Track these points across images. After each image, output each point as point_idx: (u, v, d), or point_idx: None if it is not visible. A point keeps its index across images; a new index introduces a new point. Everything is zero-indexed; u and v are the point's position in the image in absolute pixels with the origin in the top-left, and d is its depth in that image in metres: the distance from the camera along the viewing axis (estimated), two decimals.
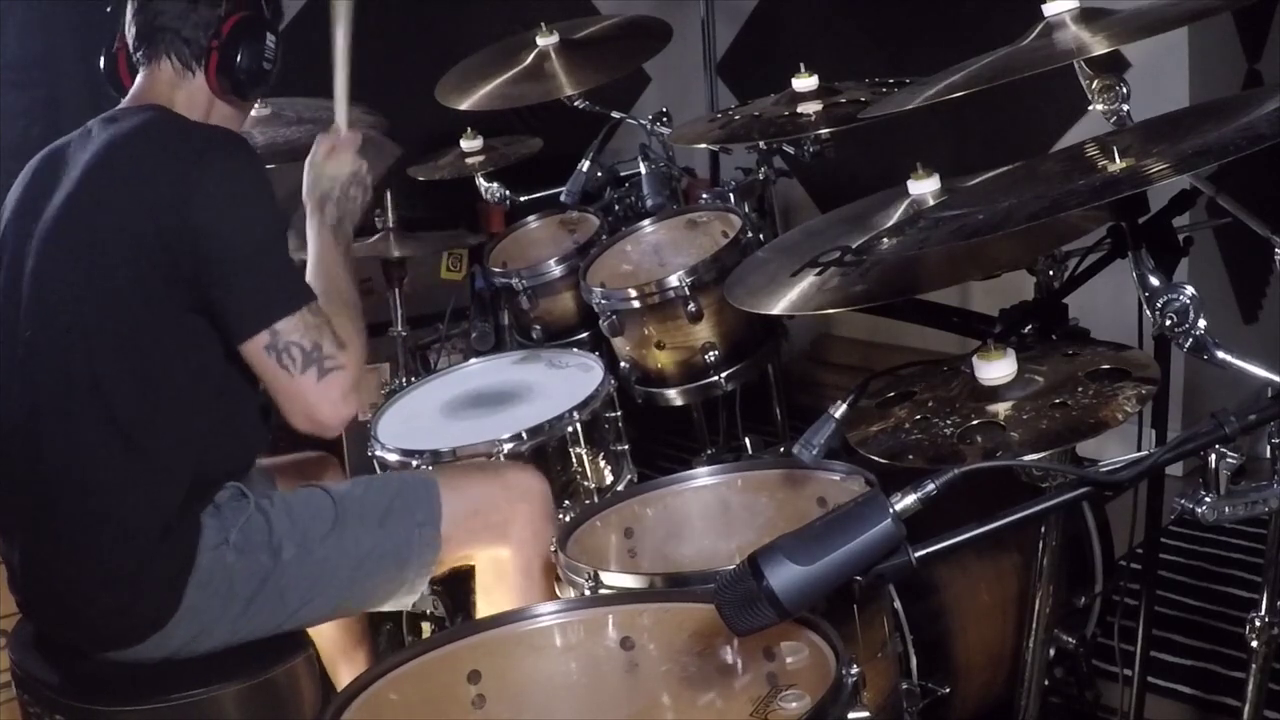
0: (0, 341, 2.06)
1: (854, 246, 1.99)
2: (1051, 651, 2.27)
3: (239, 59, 2.08)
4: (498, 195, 3.25)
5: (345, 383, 2.00)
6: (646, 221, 2.92)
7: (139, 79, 2.12)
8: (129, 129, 2.03)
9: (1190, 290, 1.51)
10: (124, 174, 1.99)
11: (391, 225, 3.08)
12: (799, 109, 2.57)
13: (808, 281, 1.97)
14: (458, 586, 2.35)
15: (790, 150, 2.81)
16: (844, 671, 1.40)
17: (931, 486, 1.28)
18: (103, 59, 2.20)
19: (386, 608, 2.19)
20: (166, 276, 1.94)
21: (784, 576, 1.24)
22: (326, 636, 2.35)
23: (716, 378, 2.63)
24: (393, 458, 2.42)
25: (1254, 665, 1.67)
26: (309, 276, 2.09)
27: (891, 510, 1.27)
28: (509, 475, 2.28)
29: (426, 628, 2.49)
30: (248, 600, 2.03)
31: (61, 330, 1.99)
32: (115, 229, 1.95)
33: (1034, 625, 2.02)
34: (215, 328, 1.98)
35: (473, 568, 2.25)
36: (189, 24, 2.07)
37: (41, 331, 2.01)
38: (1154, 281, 1.55)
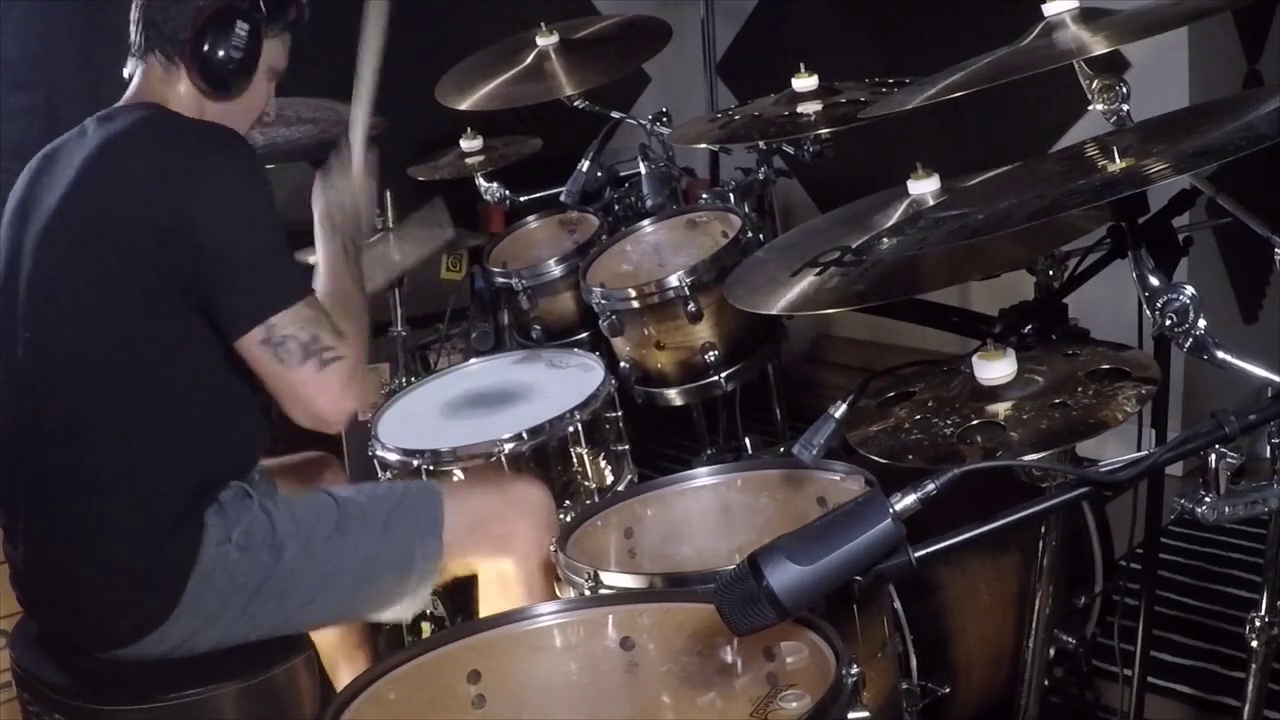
0: (1, 343, 2.06)
1: (854, 246, 1.99)
2: (1051, 651, 2.27)
3: (211, 51, 2.05)
4: (498, 195, 3.25)
5: (344, 372, 1.99)
6: (646, 221, 2.92)
7: (135, 77, 2.12)
8: (123, 127, 2.02)
9: (1190, 290, 1.51)
10: (118, 173, 1.98)
11: (391, 226, 3.08)
12: (799, 109, 2.57)
13: (808, 281, 1.97)
14: (458, 587, 2.35)
15: (790, 150, 2.81)
16: (844, 671, 1.40)
17: (931, 486, 1.28)
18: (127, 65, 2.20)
19: (386, 618, 2.18)
20: (165, 276, 1.94)
21: (784, 576, 1.24)
22: (326, 637, 2.34)
23: (716, 378, 2.63)
24: (393, 457, 2.42)
25: (1254, 665, 1.68)
26: (318, 285, 2.08)
27: (891, 510, 1.27)
28: (513, 488, 2.28)
29: (426, 628, 2.49)
30: (247, 599, 2.03)
31: (61, 331, 1.99)
32: (111, 229, 1.95)
33: (1034, 625, 2.02)
34: (212, 326, 1.99)
35: (475, 575, 2.26)
36: (170, 19, 2.06)
37: (41, 332, 2.01)
38: (1154, 281, 1.55)
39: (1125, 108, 1.88)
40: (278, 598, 2.05)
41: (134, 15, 2.10)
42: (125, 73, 2.15)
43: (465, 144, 3.30)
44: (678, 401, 2.71)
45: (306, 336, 1.97)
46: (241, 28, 2.06)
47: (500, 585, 2.21)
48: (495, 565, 2.21)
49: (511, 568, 2.20)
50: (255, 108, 2.18)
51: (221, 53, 2.06)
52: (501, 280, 2.95)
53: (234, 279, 1.95)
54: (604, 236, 2.92)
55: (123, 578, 1.98)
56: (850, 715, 1.38)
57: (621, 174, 3.18)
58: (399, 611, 2.17)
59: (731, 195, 2.83)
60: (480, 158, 3.27)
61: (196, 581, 1.99)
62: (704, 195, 2.99)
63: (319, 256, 2.16)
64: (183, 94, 2.09)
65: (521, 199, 3.27)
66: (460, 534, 2.16)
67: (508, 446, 2.37)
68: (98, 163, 1.99)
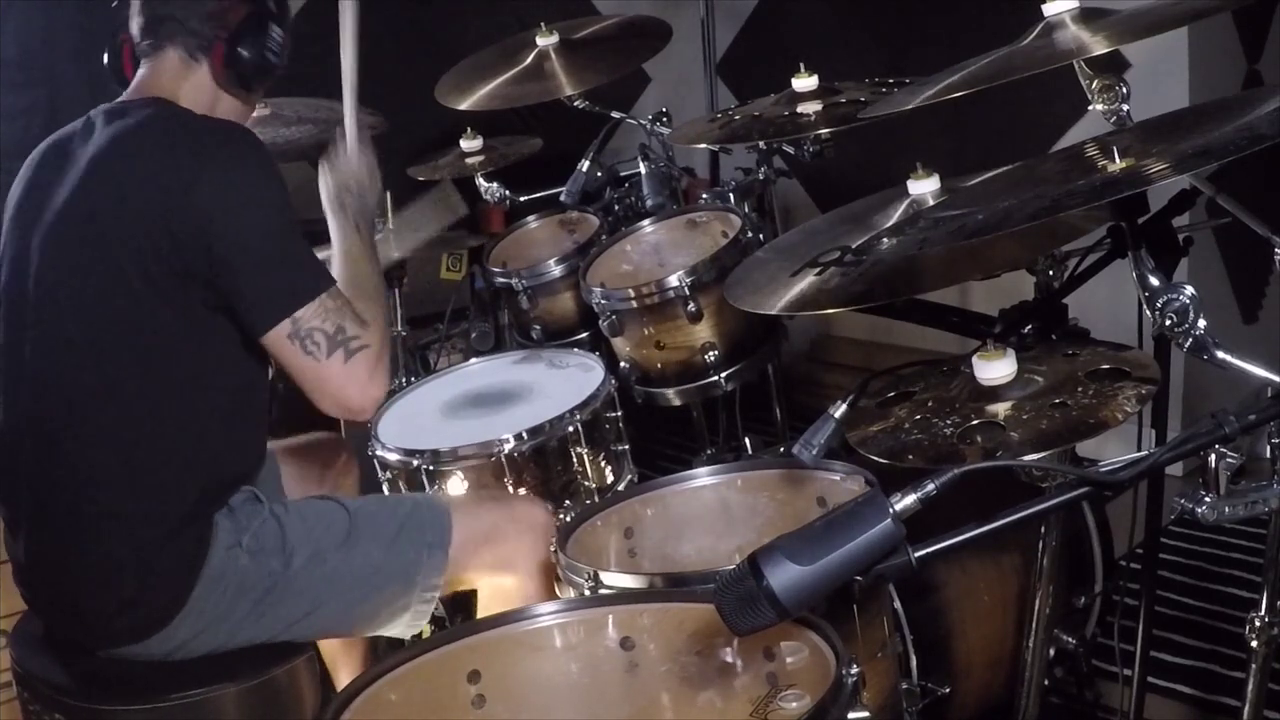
0: (7, 340, 2.06)
1: (854, 246, 1.99)
2: (1051, 651, 2.27)
3: (245, 51, 2.08)
4: (498, 195, 3.26)
5: (371, 360, 2.02)
6: (646, 221, 2.92)
7: (142, 70, 2.11)
8: (135, 123, 2.02)
9: (1190, 290, 1.51)
10: (130, 170, 1.98)
11: (391, 226, 3.08)
12: (799, 109, 2.57)
13: (808, 281, 1.97)
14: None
15: (790, 150, 2.81)
16: (844, 671, 1.40)
17: (931, 486, 1.28)
18: (107, 52, 2.20)
19: (388, 632, 2.18)
20: (178, 274, 1.94)
21: (784, 576, 1.24)
22: (327, 639, 2.34)
23: (716, 378, 2.63)
24: (393, 458, 2.42)
25: (1254, 665, 1.68)
26: (334, 270, 2.09)
27: (891, 510, 1.27)
28: (518, 508, 2.28)
29: (426, 628, 2.48)
30: (253, 603, 2.03)
31: (67, 327, 1.99)
32: (122, 226, 1.95)
33: (1034, 625, 2.02)
34: (234, 322, 1.99)
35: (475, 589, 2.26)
36: (196, 15, 2.07)
37: (48, 330, 2.01)
38: (1154, 281, 1.55)
39: (1125, 108, 1.88)
40: (282, 605, 2.04)
41: (142, 9, 2.10)
42: (105, 59, 2.16)
43: (465, 144, 3.30)
44: (677, 401, 2.71)
45: (332, 328, 1.98)
46: (276, 31, 2.11)
47: (501, 602, 2.21)
48: (496, 582, 2.21)
49: (512, 586, 2.20)
50: (255, 103, 2.23)
51: (257, 55, 2.09)
52: (501, 280, 2.95)
53: (256, 275, 1.96)
54: (604, 236, 2.92)
55: (126, 577, 1.98)
56: (850, 715, 1.37)
57: (621, 174, 3.18)
58: (400, 628, 2.16)
59: (731, 195, 2.83)
60: (480, 158, 3.27)
61: (204, 584, 1.99)
62: (704, 195, 2.98)
63: (333, 241, 2.18)
64: (197, 88, 2.10)
65: (521, 199, 3.27)
66: (465, 550, 2.16)
67: (507, 446, 2.37)
68: (108, 159, 1.99)
